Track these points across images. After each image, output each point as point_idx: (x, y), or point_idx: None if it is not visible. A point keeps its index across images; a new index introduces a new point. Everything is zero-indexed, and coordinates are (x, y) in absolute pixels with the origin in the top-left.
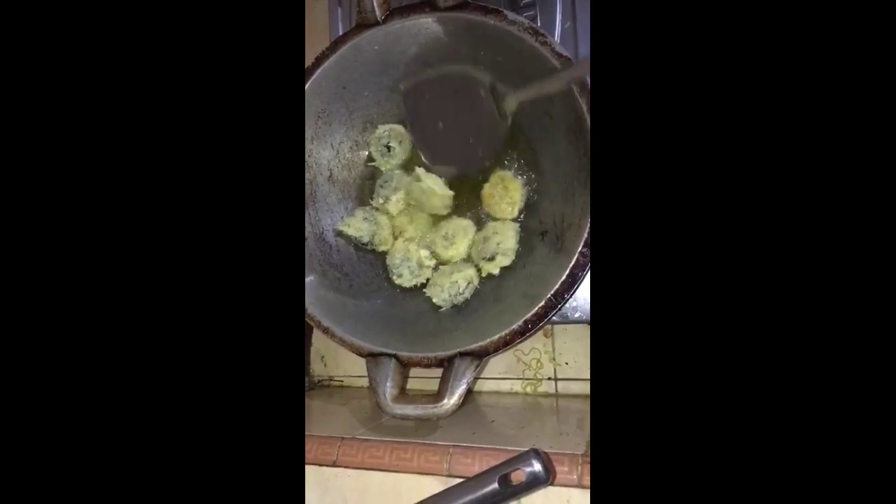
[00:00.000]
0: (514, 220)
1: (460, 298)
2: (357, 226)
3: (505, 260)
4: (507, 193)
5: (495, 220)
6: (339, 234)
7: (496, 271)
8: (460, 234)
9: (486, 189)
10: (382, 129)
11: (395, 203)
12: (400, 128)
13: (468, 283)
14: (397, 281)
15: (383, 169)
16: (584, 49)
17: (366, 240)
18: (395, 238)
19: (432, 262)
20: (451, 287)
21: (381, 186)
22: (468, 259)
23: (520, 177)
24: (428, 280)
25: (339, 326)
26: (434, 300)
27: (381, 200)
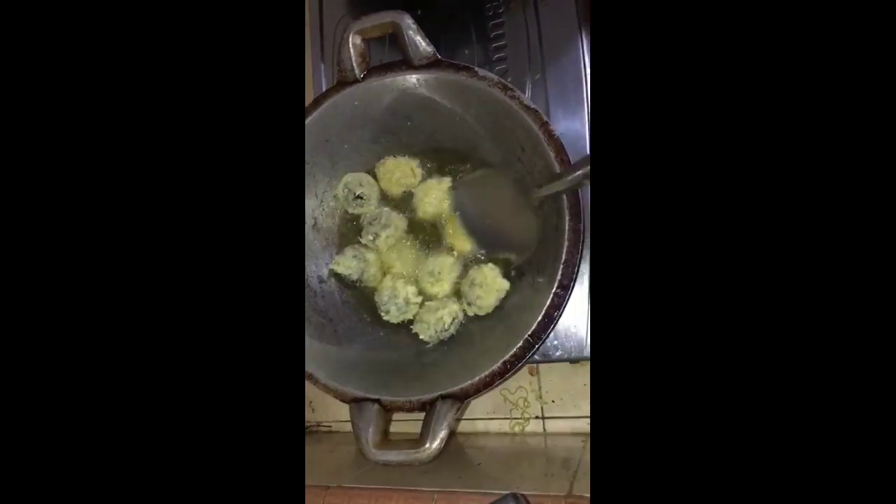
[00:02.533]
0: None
1: (446, 334)
2: (347, 264)
3: (486, 309)
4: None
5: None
6: (332, 273)
7: (482, 313)
8: (446, 271)
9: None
10: (346, 180)
11: (385, 240)
12: (363, 175)
13: (453, 319)
14: (385, 317)
15: (362, 213)
16: (554, 97)
17: (355, 277)
18: (384, 274)
19: (419, 299)
20: (437, 323)
21: (370, 224)
22: (453, 294)
23: None
24: (415, 316)
25: (322, 372)
26: (421, 336)
27: (370, 237)
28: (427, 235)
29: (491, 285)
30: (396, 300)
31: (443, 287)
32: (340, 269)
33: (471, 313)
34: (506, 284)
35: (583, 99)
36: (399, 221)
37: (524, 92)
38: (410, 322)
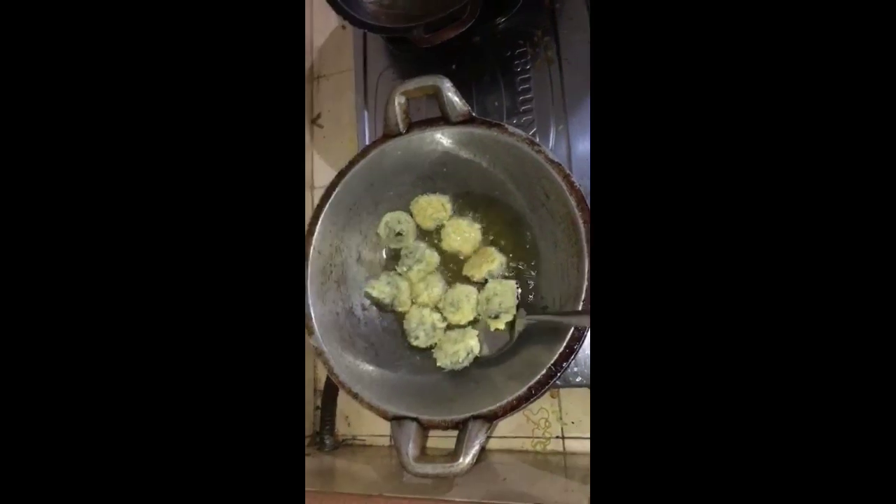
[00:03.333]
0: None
1: (459, 366)
2: (381, 288)
3: (508, 316)
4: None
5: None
6: (366, 294)
7: (502, 326)
8: (464, 300)
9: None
10: (386, 219)
11: (417, 273)
12: (401, 213)
13: (468, 354)
14: (414, 343)
15: (401, 247)
16: (575, 147)
17: (387, 301)
18: (413, 303)
19: (444, 325)
20: (453, 356)
21: (406, 256)
22: (476, 320)
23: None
24: (437, 343)
25: (367, 392)
26: (438, 363)
27: (404, 269)
28: (450, 272)
29: (499, 289)
30: (424, 326)
31: (463, 315)
32: (374, 293)
33: (499, 325)
34: (511, 283)
35: None
36: (431, 258)
37: (548, 139)
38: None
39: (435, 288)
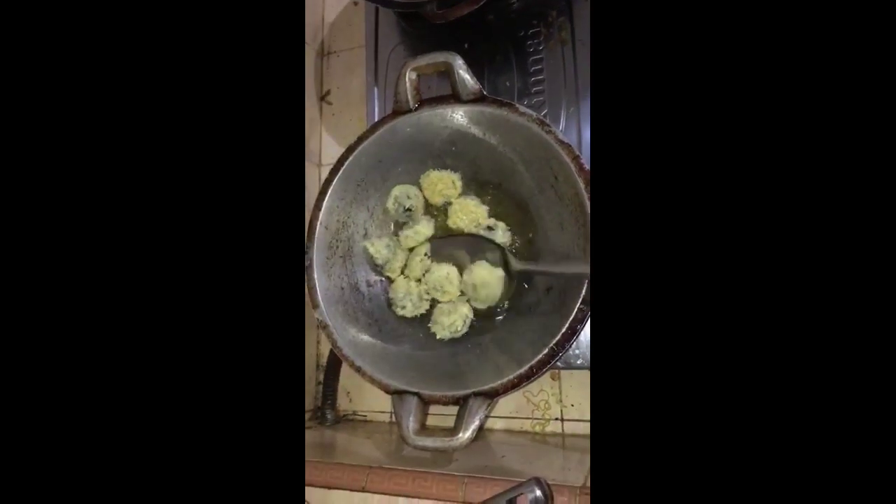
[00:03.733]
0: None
1: (459, 333)
2: (378, 248)
3: (493, 299)
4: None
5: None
6: (364, 249)
7: (483, 307)
8: (445, 283)
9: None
10: (395, 193)
11: (405, 238)
12: (410, 187)
13: (465, 321)
14: (400, 313)
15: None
16: (586, 130)
17: (380, 262)
18: (401, 273)
19: (428, 296)
20: (451, 326)
21: (409, 227)
22: (462, 294)
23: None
24: (428, 311)
25: (369, 366)
26: (438, 336)
27: (403, 237)
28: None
29: (487, 279)
30: (411, 296)
31: (450, 294)
32: (371, 250)
33: (483, 307)
34: (500, 272)
35: None
36: (425, 229)
37: (559, 122)
38: (425, 316)
39: (419, 264)
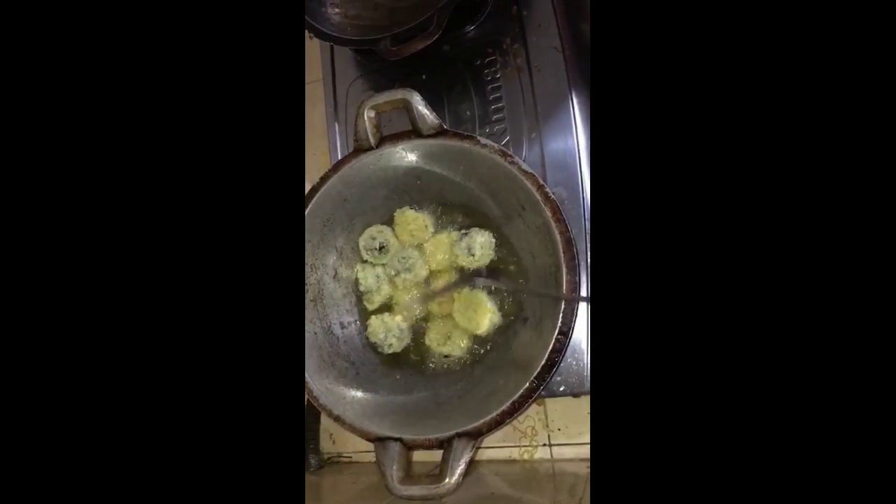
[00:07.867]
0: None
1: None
2: (367, 278)
3: (483, 327)
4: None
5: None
6: (355, 280)
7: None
8: (457, 337)
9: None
10: (369, 232)
11: (403, 281)
12: (383, 227)
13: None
14: (389, 351)
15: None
16: (549, 153)
17: (363, 289)
18: (382, 305)
19: (406, 324)
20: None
21: (397, 260)
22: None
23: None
24: (414, 341)
25: (349, 413)
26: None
27: (392, 272)
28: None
29: (479, 307)
30: (392, 332)
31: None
32: (359, 275)
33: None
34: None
35: (575, 154)
36: (421, 270)
37: (522, 147)
38: (415, 353)
39: (414, 304)
